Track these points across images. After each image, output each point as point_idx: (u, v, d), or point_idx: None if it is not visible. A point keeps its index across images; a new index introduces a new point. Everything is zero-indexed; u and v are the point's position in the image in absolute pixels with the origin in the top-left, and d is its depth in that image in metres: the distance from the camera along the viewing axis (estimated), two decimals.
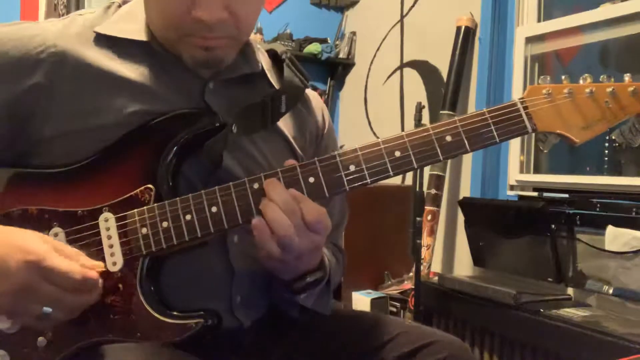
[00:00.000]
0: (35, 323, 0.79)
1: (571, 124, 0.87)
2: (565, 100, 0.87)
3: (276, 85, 1.02)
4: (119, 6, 0.97)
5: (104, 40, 0.92)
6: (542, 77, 0.89)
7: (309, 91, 1.10)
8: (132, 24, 0.94)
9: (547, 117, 0.87)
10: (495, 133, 0.86)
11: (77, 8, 2.91)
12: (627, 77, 0.87)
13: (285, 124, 1.02)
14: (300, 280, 0.92)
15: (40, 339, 0.83)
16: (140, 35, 0.93)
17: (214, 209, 0.85)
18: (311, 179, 0.85)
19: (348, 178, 0.86)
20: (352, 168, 0.85)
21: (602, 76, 0.88)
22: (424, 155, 0.86)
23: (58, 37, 0.89)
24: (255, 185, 0.85)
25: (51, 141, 0.88)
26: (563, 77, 0.88)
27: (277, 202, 0.82)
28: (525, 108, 0.86)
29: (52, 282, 0.75)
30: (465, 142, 0.86)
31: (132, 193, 0.86)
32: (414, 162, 0.86)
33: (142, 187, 0.86)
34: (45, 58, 0.88)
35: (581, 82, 0.88)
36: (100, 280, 0.81)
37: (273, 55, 1.06)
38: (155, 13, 0.91)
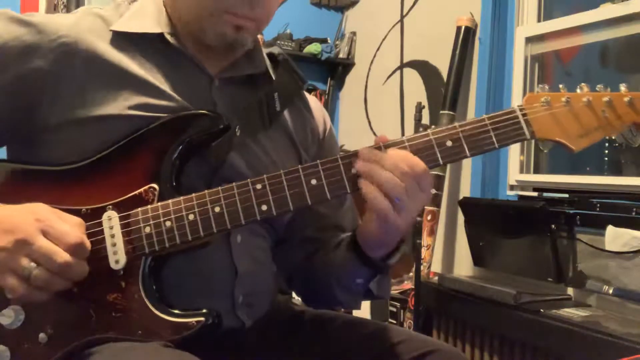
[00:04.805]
0: (17, 285, 0.77)
1: (569, 132, 0.88)
2: (563, 109, 0.88)
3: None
4: (129, 3, 1.00)
5: (117, 37, 0.94)
6: (540, 85, 0.90)
7: (308, 96, 1.12)
8: (144, 20, 0.96)
9: (546, 124, 0.88)
10: (494, 139, 0.86)
11: (77, 7, 2.91)
12: (622, 87, 0.88)
13: (287, 121, 1.04)
14: (392, 255, 0.94)
15: (42, 335, 0.84)
16: (153, 28, 0.95)
17: (217, 209, 0.85)
18: (313, 181, 0.86)
19: (350, 182, 0.86)
20: (354, 171, 0.86)
21: (598, 85, 0.89)
22: (425, 160, 0.86)
23: (71, 28, 0.92)
24: (258, 186, 0.85)
25: (57, 129, 0.89)
26: (560, 85, 0.89)
27: (386, 167, 0.83)
28: (524, 115, 0.87)
29: (49, 238, 0.78)
30: (465, 147, 0.86)
31: (136, 192, 0.87)
32: None
33: (146, 187, 0.87)
34: (57, 47, 0.90)
35: (578, 91, 0.89)
36: (87, 268, 0.81)
37: (270, 57, 1.08)
38: None
